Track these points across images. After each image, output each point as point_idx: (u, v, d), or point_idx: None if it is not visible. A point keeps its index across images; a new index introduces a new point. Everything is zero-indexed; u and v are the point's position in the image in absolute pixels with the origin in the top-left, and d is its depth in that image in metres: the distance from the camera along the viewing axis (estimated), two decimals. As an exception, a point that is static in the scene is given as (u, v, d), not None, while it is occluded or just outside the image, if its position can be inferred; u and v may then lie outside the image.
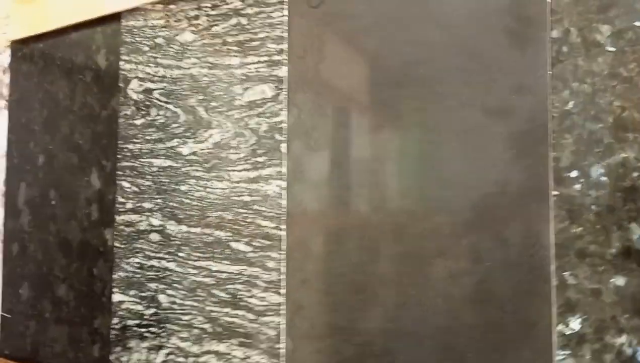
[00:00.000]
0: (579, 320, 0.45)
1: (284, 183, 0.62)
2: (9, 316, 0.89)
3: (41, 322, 0.85)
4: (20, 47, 0.92)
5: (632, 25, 0.44)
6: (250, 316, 0.64)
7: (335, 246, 0.58)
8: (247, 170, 0.65)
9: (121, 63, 0.78)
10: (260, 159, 0.64)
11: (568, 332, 0.46)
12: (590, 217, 0.45)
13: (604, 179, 0.45)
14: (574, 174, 0.46)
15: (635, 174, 0.43)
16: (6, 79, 0.94)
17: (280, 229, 0.62)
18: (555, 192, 0.47)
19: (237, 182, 0.66)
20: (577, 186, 0.46)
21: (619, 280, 0.44)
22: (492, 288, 0.49)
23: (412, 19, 0.55)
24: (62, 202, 0.84)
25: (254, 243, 0.64)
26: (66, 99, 0.85)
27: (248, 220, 0.64)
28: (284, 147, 0.62)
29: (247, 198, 0.65)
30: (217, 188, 0.67)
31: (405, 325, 0.53)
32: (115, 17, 0.79)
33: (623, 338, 0.43)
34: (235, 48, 0.67)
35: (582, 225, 0.46)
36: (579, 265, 0.45)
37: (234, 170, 0.66)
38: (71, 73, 0.84)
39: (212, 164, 0.68)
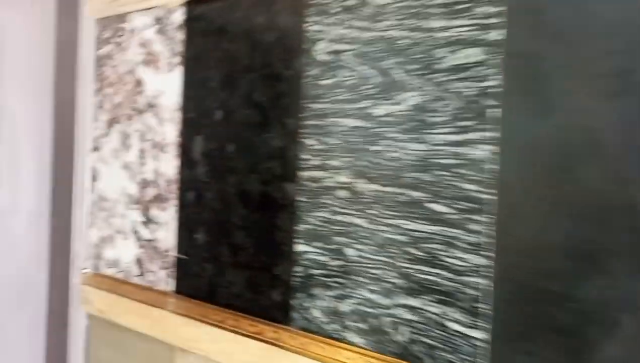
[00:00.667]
0: None
1: (493, 148, 0.62)
2: (185, 257, 0.98)
3: (218, 265, 0.93)
4: (196, 6, 0.96)
5: None
6: (448, 275, 0.66)
7: (553, 214, 0.58)
8: (450, 133, 0.66)
9: (306, 25, 0.81)
10: (465, 123, 0.64)
11: None
12: None
13: None
14: None
15: None
16: (180, 36, 0.99)
17: (487, 193, 0.63)
18: None
19: (438, 145, 0.67)
20: None
21: None
22: None
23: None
24: (241, 156, 0.89)
25: (455, 206, 0.65)
26: (245, 58, 0.88)
27: (449, 182, 0.66)
28: (494, 111, 0.62)
29: (448, 161, 0.66)
30: (414, 150, 0.69)
31: (636, 297, 0.53)
32: (300, -23, 0.81)
33: None
34: (439, 10, 0.67)
35: None
36: None
37: (433, 133, 0.67)
38: (251, 33, 0.88)
39: (409, 126, 0.69)
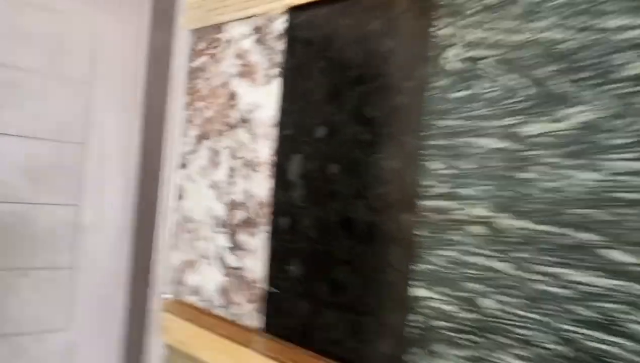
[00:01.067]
0: None
1: None
2: (276, 291, 0.88)
3: (314, 304, 0.81)
4: (300, 13, 0.87)
5: None
6: (630, 345, 0.50)
7: None
8: (633, 159, 0.51)
9: (434, 28, 0.68)
10: (665, 147, 0.49)
11: None
12: None
13: None
14: None
15: None
16: (280, 46, 0.90)
17: (699, 242, 0.47)
18: None
19: (618, 174, 0.52)
20: None
21: None
22: None
23: None
24: (347, 179, 0.78)
25: (645, 255, 0.50)
26: (356, 68, 0.78)
27: (635, 223, 0.50)
28: None
29: (634, 196, 0.51)
30: (583, 180, 0.54)
31: None
32: (428, -26, 0.69)
33: None
34: (618, 6, 0.53)
35: None
36: None
37: (611, 159, 0.52)
38: (364, 39, 0.77)
39: (576, 149, 0.55)
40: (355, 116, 0.77)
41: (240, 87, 0.98)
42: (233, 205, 0.98)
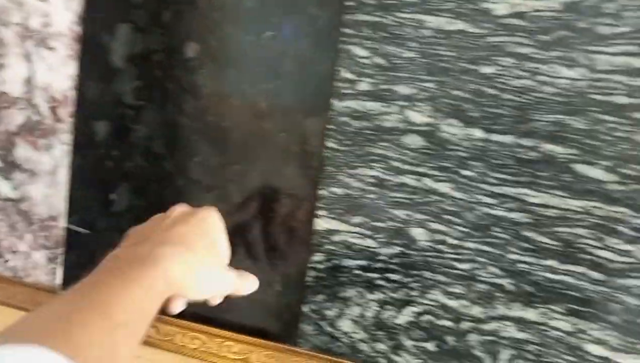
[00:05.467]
0: None
1: None
2: (85, 231, 0.59)
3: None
4: None
5: None
6: (596, 275, 0.43)
7: None
8: (631, 54, 0.41)
9: None
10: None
11: None
12: None
13: None
14: None
15: None
16: None
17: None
18: None
19: (607, 72, 0.42)
20: None
21: None
22: None
23: None
24: (214, 65, 0.52)
25: (623, 170, 0.42)
26: None
27: (618, 133, 0.42)
28: None
29: (622, 100, 0.42)
30: (561, 77, 0.43)
31: None
32: None
33: None
34: None
35: None
36: None
37: (601, 52, 0.42)
38: None
39: (558, 36, 0.43)
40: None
41: None
42: (5, 102, 0.61)
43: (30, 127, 0.60)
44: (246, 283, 0.44)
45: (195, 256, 0.38)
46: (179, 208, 0.43)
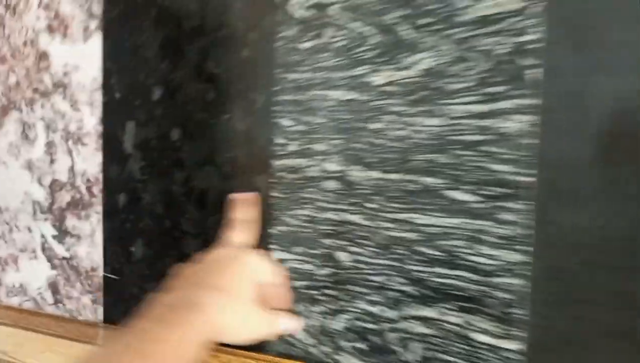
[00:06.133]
0: None
1: (532, 119, 0.51)
2: (116, 277, 0.77)
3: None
4: (121, -43, 0.76)
5: None
6: (473, 276, 0.54)
7: (608, 198, 0.48)
8: (475, 103, 0.53)
9: (275, -26, 0.64)
10: (495, 89, 0.52)
11: None
12: None
13: None
14: None
15: None
16: (99, -4, 0.78)
17: (525, 175, 0.51)
18: None
19: (459, 118, 0.54)
20: None
21: None
22: None
23: None
24: (191, 145, 0.71)
25: (482, 192, 0.53)
26: (194, 18, 0.70)
27: (474, 164, 0.54)
28: (533, 73, 0.50)
29: (473, 138, 0.54)
30: (427, 126, 0.56)
31: None
32: None
33: None
34: (451, -48, 0.54)
35: None
36: None
37: (453, 104, 0.55)
38: (199, -12, 0.69)
39: (420, 96, 0.56)
40: (196, 73, 0.70)
41: (52, 44, 0.82)
42: (56, 186, 0.83)
43: (75, 203, 0.81)
44: (290, 325, 0.46)
45: (238, 302, 0.38)
46: (222, 251, 0.43)
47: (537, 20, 0.50)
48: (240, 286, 0.39)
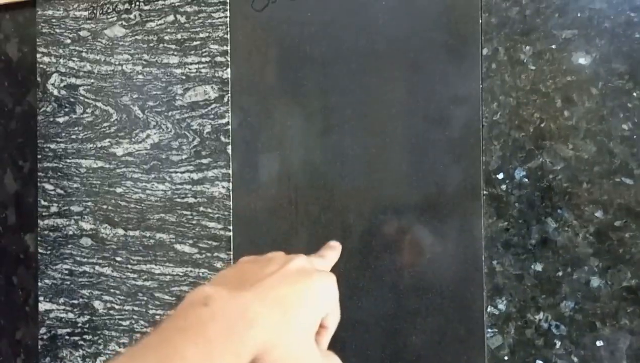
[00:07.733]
0: (505, 301, 0.53)
1: (230, 185, 0.62)
2: None
3: (-53, 338, 0.77)
4: None
5: (549, 47, 0.51)
6: (198, 317, 0.64)
7: (284, 246, 0.60)
8: (191, 171, 0.64)
9: (38, 55, 0.72)
10: (204, 161, 0.64)
11: (496, 312, 0.53)
12: (514, 213, 0.52)
13: (525, 180, 0.52)
14: (500, 175, 0.53)
15: (551, 176, 0.51)
16: None
17: (228, 230, 0.62)
18: (485, 192, 0.53)
19: (181, 184, 0.65)
20: (503, 186, 0.53)
21: (538, 266, 0.52)
22: (432, 277, 0.55)
23: (359, 28, 0.58)
24: (-31, 206, 0.76)
25: (200, 245, 0.64)
26: (-32, 92, 0.76)
27: (193, 222, 0.64)
28: (230, 148, 0.62)
29: (191, 200, 0.64)
30: (157, 191, 0.66)
31: (354, 314, 0.57)
32: (27, 4, 0.73)
33: (540, 315, 0.51)
34: (173, 46, 0.66)
35: (507, 220, 0.53)
36: (505, 255, 0.53)
37: (176, 172, 0.65)
38: (-26, 63, 0.76)
39: (151, 165, 0.66)
40: (-28, 141, 0.76)
41: None
42: None
43: None
44: None
45: (288, 326, 0.29)
46: (298, 260, 0.33)
47: (228, 107, 0.62)
48: (298, 309, 0.30)
